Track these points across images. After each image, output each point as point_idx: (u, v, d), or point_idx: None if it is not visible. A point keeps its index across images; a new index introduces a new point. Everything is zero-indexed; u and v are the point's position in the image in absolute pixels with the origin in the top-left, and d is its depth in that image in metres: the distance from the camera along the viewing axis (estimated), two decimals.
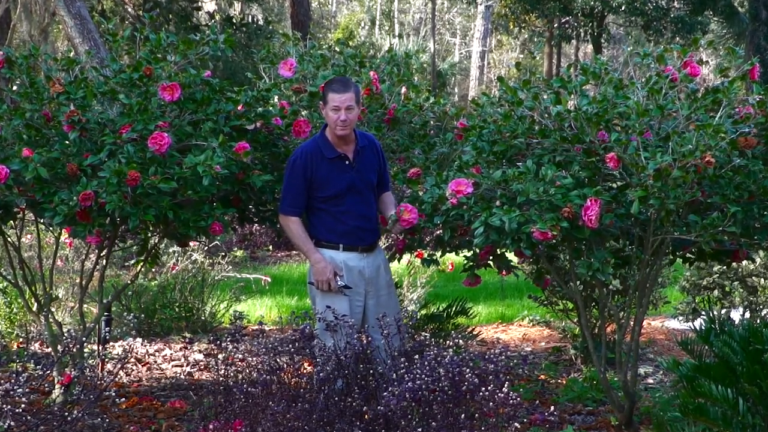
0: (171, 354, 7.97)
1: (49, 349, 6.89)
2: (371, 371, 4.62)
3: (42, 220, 5.88)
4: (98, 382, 5.26)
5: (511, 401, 4.18)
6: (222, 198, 5.70)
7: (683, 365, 4.70)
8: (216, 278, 9.44)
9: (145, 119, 5.25)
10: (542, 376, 7.01)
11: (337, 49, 6.73)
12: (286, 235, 5.49)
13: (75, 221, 5.17)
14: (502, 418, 4.26)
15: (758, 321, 6.96)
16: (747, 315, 7.71)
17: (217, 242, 10.24)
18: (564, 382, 6.76)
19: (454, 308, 7.65)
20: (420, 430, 4.15)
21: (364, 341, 4.77)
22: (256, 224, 7.15)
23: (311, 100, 6.12)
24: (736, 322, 5.54)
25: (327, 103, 5.27)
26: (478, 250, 5.45)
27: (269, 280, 10.95)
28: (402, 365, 4.45)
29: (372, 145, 5.55)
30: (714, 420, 4.24)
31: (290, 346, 4.88)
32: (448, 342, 5.10)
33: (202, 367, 7.21)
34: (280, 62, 6.29)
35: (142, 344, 8.06)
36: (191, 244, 8.53)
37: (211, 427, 4.66)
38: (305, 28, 20.73)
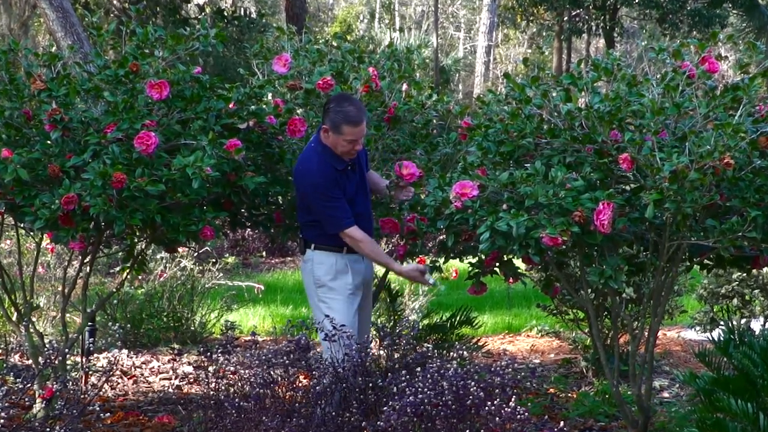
0: (159, 366, 7.97)
1: (30, 361, 6.89)
2: (371, 384, 4.61)
3: (22, 225, 5.88)
4: (81, 396, 5.26)
5: (518, 416, 4.18)
6: (213, 201, 5.70)
7: (701, 378, 4.70)
8: (206, 286, 9.43)
9: (132, 118, 5.25)
10: (551, 390, 7.01)
11: (335, 43, 6.73)
12: (362, 252, 5.45)
13: (57, 226, 5.17)
14: None
15: None
16: None
17: (207, 248, 10.24)
18: (574, 395, 6.76)
19: (458, 318, 7.65)
20: None
21: (363, 353, 4.77)
22: (249, 229, 7.16)
23: (307, 97, 6.12)
24: (757, 333, 5.53)
25: (342, 134, 5.23)
26: (483, 257, 5.45)
27: (262, 288, 10.96)
28: (403, 378, 4.45)
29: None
30: None
31: (285, 357, 4.88)
32: (451, 353, 5.10)
33: (191, 380, 7.22)
34: (274, 57, 6.29)
35: (128, 356, 8.06)
36: (180, 250, 8.54)
37: None
38: (301, 21, 20.72)
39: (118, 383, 7.26)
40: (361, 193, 5.52)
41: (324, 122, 5.32)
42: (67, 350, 5.97)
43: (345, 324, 5.04)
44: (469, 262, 5.67)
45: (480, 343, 7.82)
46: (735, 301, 8.04)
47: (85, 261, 6.13)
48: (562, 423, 5.51)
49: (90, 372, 6.84)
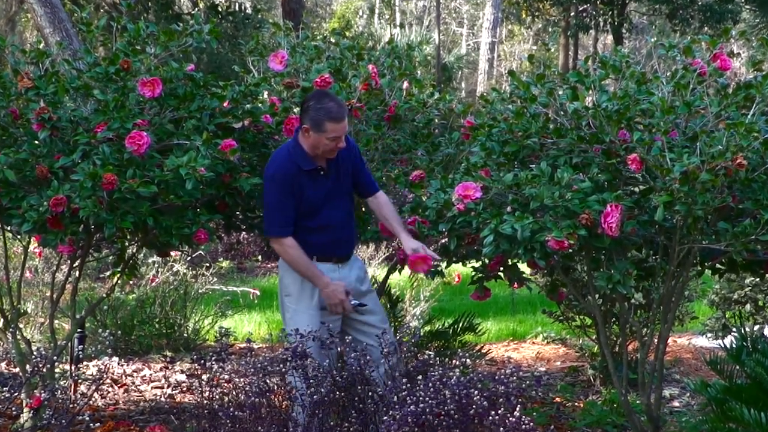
0: (150, 374, 7.97)
1: (17, 369, 6.89)
2: (370, 393, 4.61)
3: (9, 228, 5.88)
4: (70, 406, 5.26)
5: (523, 426, 4.17)
6: (207, 203, 5.70)
7: (712, 387, 4.70)
8: (200, 291, 9.44)
9: (123, 117, 5.25)
10: (558, 399, 7.01)
11: (333, 40, 6.73)
12: (284, 260, 5.43)
13: (45, 229, 5.17)
14: None
15: None
16: None
17: (201, 252, 10.25)
18: (581, 405, 6.76)
19: (460, 324, 7.65)
20: None
21: (361, 361, 4.76)
22: (244, 232, 7.15)
23: (304, 95, 6.12)
24: None
25: (324, 132, 5.16)
26: (487, 261, 5.45)
27: (258, 293, 10.95)
28: (404, 386, 4.45)
29: (346, 147, 5.44)
30: None
31: (281, 365, 4.87)
32: (454, 361, 5.08)
33: (184, 389, 7.21)
34: (270, 54, 6.29)
35: (118, 364, 8.05)
36: (173, 253, 8.53)
37: None
38: (297, 17, 20.75)
39: (109, 392, 7.26)
40: (334, 204, 5.42)
41: (303, 122, 5.25)
42: (55, 358, 5.96)
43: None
44: (472, 267, 5.67)
45: (483, 351, 7.82)
46: (748, 306, 8.04)
47: (74, 265, 6.13)
48: None
49: (79, 380, 6.84)
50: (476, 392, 4.29)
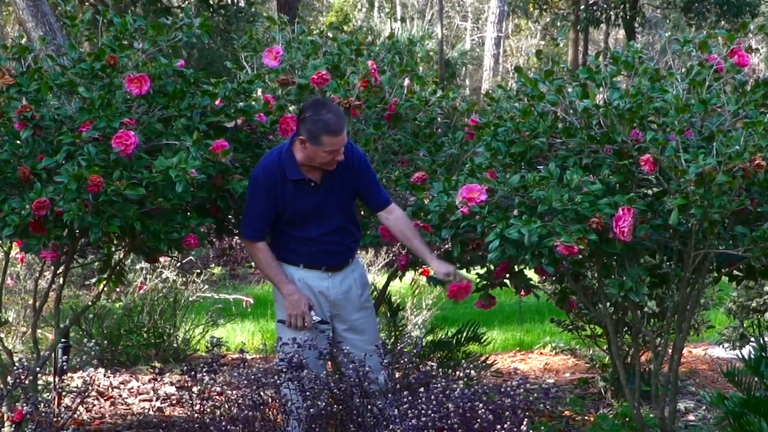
0: (138, 386, 7.97)
1: None
2: (369, 406, 4.62)
3: None
4: (54, 419, 5.26)
5: None
6: (197, 206, 5.71)
7: (729, 399, 4.71)
8: (190, 299, 9.43)
9: (109, 115, 5.25)
10: (567, 412, 7.01)
11: (330, 34, 6.74)
12: (253, 262, 5.47)
13: (27, 233, 5.16)
14: None
15: None
16: None
17: (191, 257, 10.23)
18: (592, 419, 6.76)
19: (464, 334, 7.65)
20: None
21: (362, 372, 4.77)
22: (237, 237, 7.16)
23: (300, 93, 6.12)
24: None
25: (321, 145, 5.14)
26: (492, 267, 5.45)
27: (252, 301, 10.95)
28: (405, 399, 4.45)
29: (347, 159, 5.37)
30: None
31: (276, 377, 4.88)
32: (458, 373, 5.09)
33: (173, 402, 7.20)
34: (264, 50, 6.29)
35: (104, 375, 8.06)
36: (161, 259, 8.54)
37: None
38: (293, 10, 20.73)
39: (94, 405, 7.26)
40: (326, 216, 5.40)
41: (299, 133, 5.22)
42: (38, 369, 5.96)
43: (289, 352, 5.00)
44: (477, 274, 5.67)
45: (489, 362, 7.83)
46: (767, 315, 8.04)
47: (58, 272, 6.13)
48: None
49: (63, 393, 6.83)
50: (481, 405, 4.29)
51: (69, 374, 7.56)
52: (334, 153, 5.19)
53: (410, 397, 4.46)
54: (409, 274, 6.87)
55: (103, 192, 4.95)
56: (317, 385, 4.73)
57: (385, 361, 4.92)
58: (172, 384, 7.72)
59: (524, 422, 4.25)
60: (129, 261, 8.47)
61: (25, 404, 5.54)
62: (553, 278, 5.91)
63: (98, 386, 7.69)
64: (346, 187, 5.44)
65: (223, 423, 4.76)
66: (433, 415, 4.25)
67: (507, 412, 4.36)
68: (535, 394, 5.00)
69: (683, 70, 5.13)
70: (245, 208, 5.42)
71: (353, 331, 5.54)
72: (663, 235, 4.96)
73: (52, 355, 6.51)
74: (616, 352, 5.63)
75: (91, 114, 5.28)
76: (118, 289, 8.75)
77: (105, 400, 7.47)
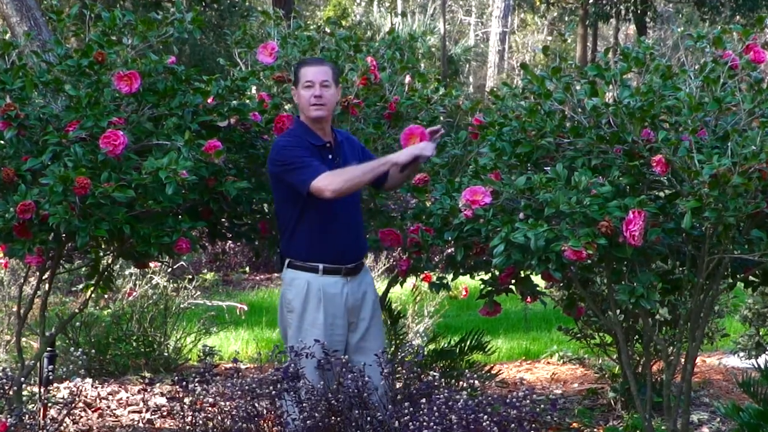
0: (127, 397, 7.97)
1: None
2: (369, 418, 4.61)
3: None
4: (39, 431, 5.25)
5: None
6: (189, 209, 5.70)
7: (745, 411, 4.70)
8: (182, 306, 9.43)
9: (97, 114, 5.25)
10: (575, 424, 7.01)
11: (328, 29, 6.74)
12: (343, 188, 5.20)
13: (11, 237, 5.17)
14: None
15: None
16: None
17: (182, 263, 10.23)
18: (601, 431, 6.76)
19: (468, 342, 7.65)
20: None
21: (360, 383, 4.76)
22: (230, 241, 7.17)
23: None
24: None
25: (299, 81, 5.38)
26: (497, 273, 5.45)
27: (246, 308, 10.95)
28: (406, 411, 4.45)
29: (348, 139, 5.61)
30: None
31: (271, 387, 4.88)
32: (461, 383, 5.10)
33: (164, 414, 7.20)
34: (259, 46, 6.30)
35: (92, 386, 8.04)
36: (152, 265, 8.53)
37: None
38: (289, 4, 20.74)
39: (81, 417, 7.26)
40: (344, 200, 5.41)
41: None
42: (23, 379, 5.96)
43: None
44: (481, 279, 5.67)
45: (493, 371, 7.83)
46: None
47: (43, 277, 6.13)
48: None
49: (49, 404, 6.83)
50: (486, 417, 4.29)
51: (55, 385, 7.56)
52: (310, 87, 5.33)
53: (411, 409, 4.45)
54: (410, 280, 6.87)
55: (91, 194, 4.96)
56: (314, 396, 4.73)
57: (385, 371, 4.91)
58: (162, 395, 7.71)
59: None
60: (118, 266, 8.47)
61: (9, 416, 5.54)
62: (561, 284, 5.90)
63: (85, 397, 7.67)
64: (353, 161, 5.43)
65: None
66: (435, 427, 4.25)
67: (513, 425, 4.36)
68: (542, 406, 5.00)
69: (696, 67, 5.12)
70: (292, 177, 5.26)
71: (366, 339, 5.55)
72: (675, 240, 4.96)
73: (38, 364, 6.51)
74: (627, 361, 5.63)
75: (78, 113, 5.28)
76: (106, 296, 8.76)
77: (93, 412, 7.47)
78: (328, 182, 5.15)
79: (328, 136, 5.46)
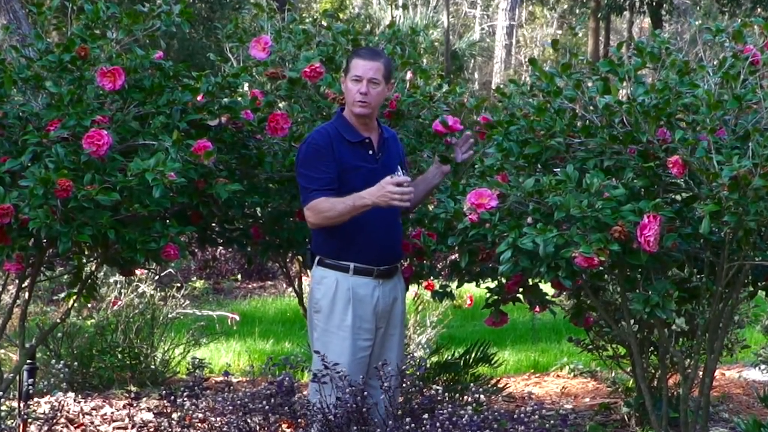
0: (112, 413, 7.96)
1: None
2: None
3: None
4: None
5: None
6: (177, 213, 5.70)
7: (766, 426, 4.70)
8: (170, 316, 9.42)
9: (79, 113, 5.25)
10: None
11: (324, 23, 6.74)
12: (322, 224, 5.31)
13: None
14: None
15: None
16: None
17: (170, 270, 10.23)
18: None
19: (473, 354, 7.66)
20: None
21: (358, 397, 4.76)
22: (221, 247, 7.17)
23: (291, 88, 6.13)
24: None
25: (348, 71, 5.42)
26: (504, 280, 5.45)
27: (237, 318, 10.93)
28: (408, 427, 4.45)
29: (394, 138, 5.68)
30: None
31: (264, 402, 4.88)
32: (465, 397, 5.10)
33: (151, 430, 7.21)
34: (252, 40, 6.30)
35: (75, 400, 8.04)
36: (138, 272, 8.53)
37: None
38: None
39: None
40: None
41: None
42: (1, 393, 5.96)
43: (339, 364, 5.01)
44: (487, 287, 5.67)
45: (500, 385, 7.83)
46: None
47: (23, 285, 6.12)
48: None
49: (29, 420, 6.84)
50: None
51: (35, 399, 7.55)
52: (358, 82, 5.35)
53: (413, 425, 4.45)
54: (412, 288, 6.87)
55: (73, 197, 4.95)
56: (309, 411, 4.73)
57: (385, 384, 4.91)
58: (149, 410, 7.71)
59: None
60: (102, 274, 8.47)
61: None
62: (571, 293, 5.90)
63: (68, 412, 7.68)
64: (395, 163, 5.49)
65: None
66: None
67: None
68: (552, 421, 5.01)
69: (715, 63, 5.12)
70: (302, 179, 5.35)
71: (385, 348, 5.55)
72: (693, 245, 4.96)
73: (17, 377, 6.51)
74: (641, 374, 5.63)
75: (60, 111, 5.27)
76: (89, 305, 8.74)
77: (75, 428, 7.47)
78: (309, 214, 5.32)
79: (370, 131, 5.48)
